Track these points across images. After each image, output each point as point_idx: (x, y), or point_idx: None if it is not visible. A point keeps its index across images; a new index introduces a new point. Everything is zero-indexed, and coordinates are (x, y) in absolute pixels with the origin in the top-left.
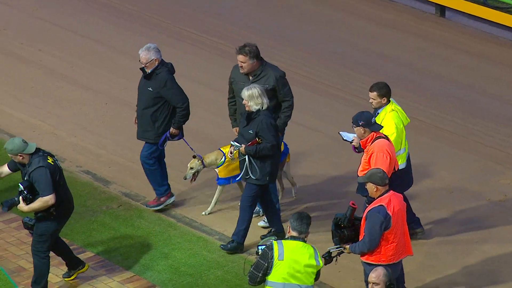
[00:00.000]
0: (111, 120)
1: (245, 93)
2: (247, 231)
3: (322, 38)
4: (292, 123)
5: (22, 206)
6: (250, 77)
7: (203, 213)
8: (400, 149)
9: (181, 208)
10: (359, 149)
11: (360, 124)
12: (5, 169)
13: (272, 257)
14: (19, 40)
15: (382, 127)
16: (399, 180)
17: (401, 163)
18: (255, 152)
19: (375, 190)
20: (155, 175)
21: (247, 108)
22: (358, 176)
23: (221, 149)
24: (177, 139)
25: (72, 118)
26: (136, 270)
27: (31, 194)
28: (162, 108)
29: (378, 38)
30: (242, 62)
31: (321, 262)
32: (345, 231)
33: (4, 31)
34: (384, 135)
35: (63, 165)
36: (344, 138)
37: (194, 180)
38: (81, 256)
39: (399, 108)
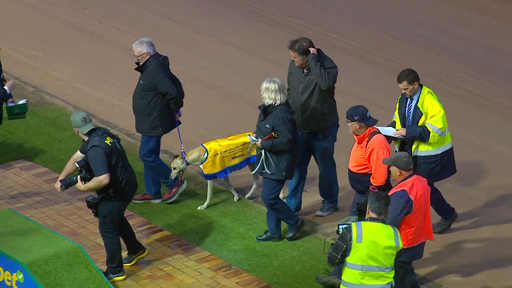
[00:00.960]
0: (187, 99)
1: (263, 84)
2: (280, 224)
3: (402, 20)
4: (369, 106)
5: (79, 185)
6: (305, 70)
7: (199, 207)
8: (447, 127)
9: (258, 189)
10: (389, 142)
11: (356, 119)
12: (78, 153)
13: (350, 239)
14: (98, 19)
15: (377, 121)
16: (449, 162)
17: (447, 143)
18: (271, 147)
19: (398, 174)
20: (159, 170)
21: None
22: (350, 169)
23: (204, 145)
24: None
25: None
26: (212, 249)
27: (89, 173)
28: (156, 101)
29: (458, 19)
30: (293, 57)
31: (401, 243)
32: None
33: (83, 11)
34: (378, 130)
35: (138, 145)
36: (383, 133)
37: (181, 178)
38: (158, 235)
39: (431, 90)
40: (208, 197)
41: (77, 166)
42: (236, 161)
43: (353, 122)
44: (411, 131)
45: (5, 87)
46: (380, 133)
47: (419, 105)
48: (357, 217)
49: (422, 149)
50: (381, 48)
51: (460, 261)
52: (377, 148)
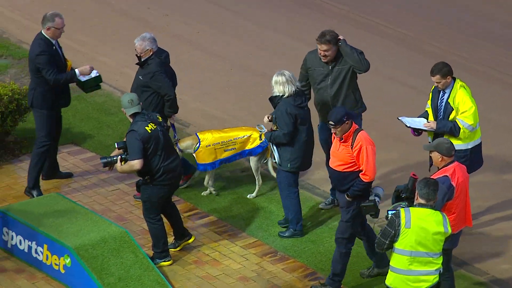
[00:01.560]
0: (235, 85)
1: (273, 77)
2: (299, 215)
3: (452, 7)
4: (415, 93)
5: (117, 165)
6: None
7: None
8: (478, 122)
9: (305, 175)
10: (419, 133)
11: (345, 119)
12: None
13: (399, 225)
14: (146, 5)
15: (356, 113)
16: (478, 156)
17: (477, 138)
18: (270, 139)
19: (440, 159)
20: None
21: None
22: (334, 169)
23: (198, 134)
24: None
25: (197, 83)
26: (258, 235)
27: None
28: (152, 98)
29: (507, 6)
30: (326, 51)
31: (450, 229)
32: (407, 202)
33: None
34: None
35: (187, 130)
36: (408, 125)
37: None
38: (204, 221)
39: (464, 83)
40: (211, 187)
41: (116, 146)
42: (228, 154)
43: (344, 125)
44: (441, 125)
45: (76, 70)
46: (363, 130)
47: (450, 100)
48: (406, 203)
49: (457, 142)
50: (429, 35)
51: (505, 249)
52: (366, 144)
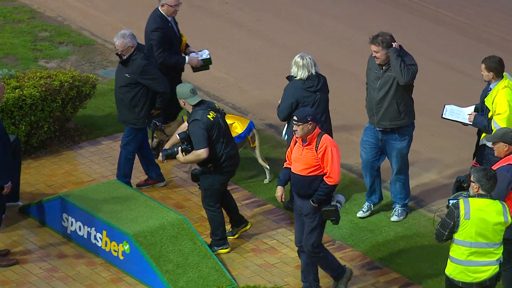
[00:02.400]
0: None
1: (295, 57)
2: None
3: None
4: (473, 81)
5: (179, 156)
6: (383, 66)
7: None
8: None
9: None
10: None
11: (309, 119)
12: (185, 124)
13: (458, 216)
14: None
15: (322, 121)
16: None
17: None
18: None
19: (506, 149)
20: (131, 163)
21: None
22: (297, 173)
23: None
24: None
25: (257, 71)
26: None
27: (190, 146)
28: (141, 94)
29: None
30: (375, 52)
31: (510, 218)
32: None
33: None
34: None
35: (247, 118)
36: (443, 115)
37: (160, 149)
38: (263, 209)
39: (511, 84)
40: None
41: (178, 137)
42: None
43: (306, 124)
44: (478, 121)
45: (186, 57)
46: (327, 133)
47: (486, 99)
48: (467, 193)
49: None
50: (487, 23)
51: None
52: (330, 146)
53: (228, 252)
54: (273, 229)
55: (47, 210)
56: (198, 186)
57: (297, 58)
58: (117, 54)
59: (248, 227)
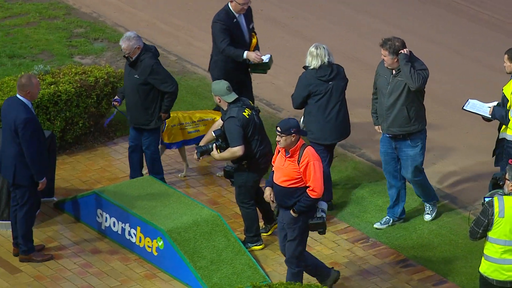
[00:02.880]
0: None
1: (310, 48)
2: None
3: None
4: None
5: (214, 153)
6: (393, 71)
7: (180, 175)
8: None
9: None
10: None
11: (293, 131)
12: (219, 121)
13: (492, 214)
14: None
15: (307, 133)
16: None
17: None
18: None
19: None
20: (158, 163)
21: None
22: (279, 184)
23: (167, 122)
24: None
25: (291, 68)
26: (350, 221)
27: (225, 143)
28: (153, 94)
29: None
30: (383, 56)
31: None
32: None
33: None
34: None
35: (280, 115)
36: (463, 106)
37: None
38: None
39: None
40: (184, 166)
41: (213, 135)
42: (191, 136)
43: (289, 136)
44: (496, 112)
45: (245, 52)
46: (310, 145)
47: (505, 88)
48: (503, 191)
49: (510, 133)
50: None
51: None
52: (313, 160)
53: (262, 248)
54: None
55: (81, 206)
56: (231, 183)
57: (311, 48)
58: (124, 56)
59: None
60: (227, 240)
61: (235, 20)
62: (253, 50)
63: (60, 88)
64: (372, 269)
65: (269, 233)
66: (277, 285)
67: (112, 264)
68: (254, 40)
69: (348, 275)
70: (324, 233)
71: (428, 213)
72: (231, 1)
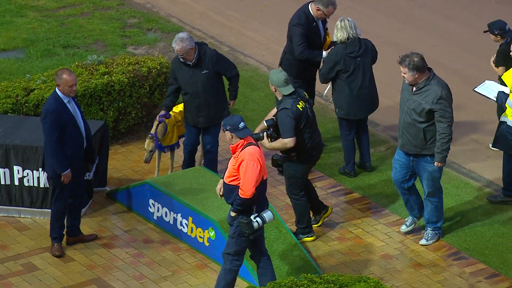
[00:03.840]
0: (380, 63)
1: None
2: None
3: None
4: None
5: (265, 142)
6: (413, 88)
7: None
8: None
9: (460, 159)
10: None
11: (228, 128)
12: (275, 110)
13: None
14: None
15: (250, 132)
16: None
17: None
18: None
19: None
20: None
21: None
22: (224, 181)
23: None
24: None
25: None
26: (402, 213)
27: (276, 132)
28: (221, 84)
29: None
30: (403, 73)
31: None
32: None
33: None
34: (256, 142)
35: (331, 106)
36: (474, 88)
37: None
38: (348, 198)
39: None
40: (170, 166)
41: (265, 124)
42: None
43: (226, 132)
44: (499, 97)
45: (324, 52)
46: (255, 145)
47: (504, 74)
48: None
49: (511, 119)
50: None
51: None
52: (247, 159)
53: (313, 240)
54: (358, 217)
55: (134, 196)
56: (278, 172)
57: (337, 22)
58: (181, 58)
59: (329, 212)
60: (279, 232)
61: (314, 24)
62: (327, 48)
63: (113, 78)
64: (424, 262)
65: (320, 223)
66: (328, 277)
67: (163, 254)
68: (328, 39)
69: (400, 267)
70: (249, 237)
71: (425, 239)
72: (317, 9)
